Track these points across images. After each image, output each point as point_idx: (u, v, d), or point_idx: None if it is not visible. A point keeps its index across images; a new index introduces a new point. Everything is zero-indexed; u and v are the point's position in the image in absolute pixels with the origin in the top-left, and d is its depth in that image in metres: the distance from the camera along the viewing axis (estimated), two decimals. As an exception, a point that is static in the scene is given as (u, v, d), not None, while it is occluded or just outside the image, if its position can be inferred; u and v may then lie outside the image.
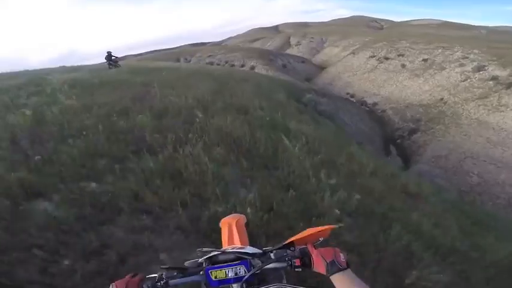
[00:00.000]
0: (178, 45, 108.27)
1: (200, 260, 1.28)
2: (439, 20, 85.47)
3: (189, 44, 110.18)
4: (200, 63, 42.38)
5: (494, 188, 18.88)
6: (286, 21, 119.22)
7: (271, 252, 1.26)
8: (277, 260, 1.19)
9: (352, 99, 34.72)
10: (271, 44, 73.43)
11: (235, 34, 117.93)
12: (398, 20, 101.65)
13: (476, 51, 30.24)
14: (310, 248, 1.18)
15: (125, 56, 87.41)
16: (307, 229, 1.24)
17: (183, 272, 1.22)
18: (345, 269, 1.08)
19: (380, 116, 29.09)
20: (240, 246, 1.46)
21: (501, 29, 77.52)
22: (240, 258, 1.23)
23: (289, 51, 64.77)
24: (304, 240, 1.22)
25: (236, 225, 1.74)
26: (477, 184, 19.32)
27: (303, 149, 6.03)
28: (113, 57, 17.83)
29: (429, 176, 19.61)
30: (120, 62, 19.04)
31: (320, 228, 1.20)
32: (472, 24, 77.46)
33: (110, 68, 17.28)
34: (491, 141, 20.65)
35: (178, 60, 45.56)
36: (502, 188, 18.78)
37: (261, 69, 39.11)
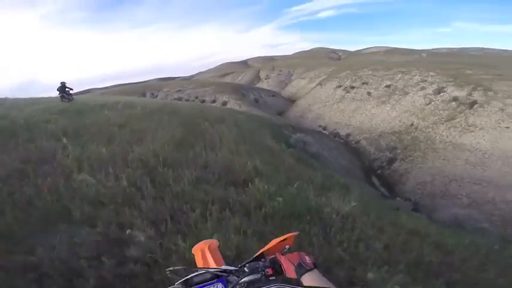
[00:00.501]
0: (146, 79, 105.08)
1: (176, 284, 1.21)
2: (385, 47, 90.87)
3: (157, 79, 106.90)
4: (168, 99, 41.10)
5: (486, 206, 18.29)
6: (254, 55, 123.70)
7: (245, 266, 1.26)
8: (251, 273, 1.20)
9: (325, 131, 34.45)
10: (243, 79, 74.05)
11: (205, 69, 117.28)
12: (353, 50, 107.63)
13: (432, 73, 31.24)
14: (278, 256, 1.25)
15: (90, 88, 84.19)
16: (273, 240, 1.32)
17: None
18: (312, 269, 1.15)
19: (355, 148, 28.64)
20: (217, 267, 1.36)
21: (438, 51, 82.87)
22: (216, 276, 1.22)
23: (259, 85, 65.48)
24: (273, 250, 1.30)
25: (209, 249, 1.67)
26: (468, 205, 18.65)
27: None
28: (66, 89, 15.55)
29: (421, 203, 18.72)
30: (83, 95, 16.79)
31: (283, 237, 1.30)
32: (413, 48, 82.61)
33: (62, 100, 15.07)
34: (470, 162, 20.34)
35: (143, 95, 44.20)
36: (494, 205, 18.22)
37: (233, 104, 38.46)
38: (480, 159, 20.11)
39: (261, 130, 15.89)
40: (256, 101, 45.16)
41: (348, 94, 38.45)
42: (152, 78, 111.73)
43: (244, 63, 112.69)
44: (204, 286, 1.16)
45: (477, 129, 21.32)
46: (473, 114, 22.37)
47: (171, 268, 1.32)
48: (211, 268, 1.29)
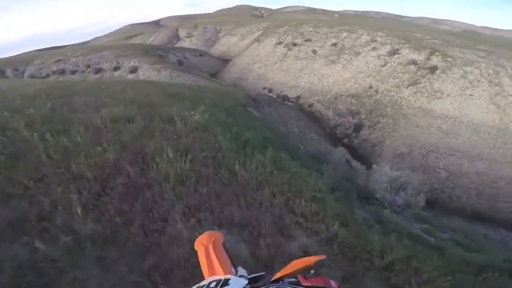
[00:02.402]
0: (23, 52, 61.82)
1: None
2: (303, 6, 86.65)
3: (37, 50, 65.23)
4: (42, 74, 26.85)
5: (462, 180, 16.00)
6: (167, 16, 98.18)
7: None
8: None
9: (270, 94, 28.39)
10: (155, 39, 56.71)
11: (103, 34, 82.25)
12: (274, 8, 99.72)
13: (380, 33, 27.68)
14: (301, 279, 1.09)
15: None
16: (293, 262, 1.15)
17: None
18: None
19: (309, 112, 23.74)
20: (223, 278, 1.09)
21: (346, 12, 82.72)
22: None
23: (179, 45, 51.74)
24: (293, 273, 1.11)
25: (214, 248, 1.41)
26: (446, 179, 16.00)
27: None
28: None
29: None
30: None
31: (306, 259, 1.13)
32: (327, 9, 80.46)
33: None
34: (443, 130, 17.53)
35: (3, 74, 28.09)
36: (468, 178, 15.98)
37: (148, 70, 26.06)
38: (451, 127, 17.53)
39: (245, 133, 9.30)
40: (180, 62, 33.45)
41: (290, 52, 32.42)
42: (31, 50, 66.48)
43: (156, 24, 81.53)
44: None
45: (444, 95, 18.52)
46: (437, 80, 19.43)
47: None
48: (222, 286, 1.01)
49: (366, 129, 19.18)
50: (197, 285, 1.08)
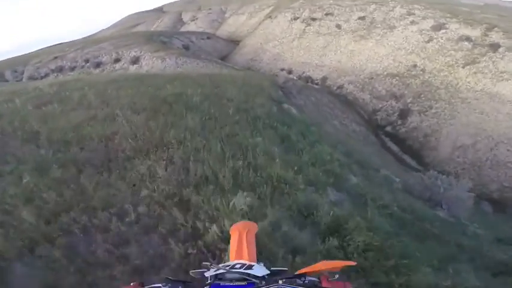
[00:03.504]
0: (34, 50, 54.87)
1: (206, 274, 1.11)
2: None
3: (44, 48, 55.75)
4: (40, 73, 22.86)
5: None
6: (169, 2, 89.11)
7: (281, 279, 1.02)
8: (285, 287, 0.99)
9: (290, 75, 24.78)
10: (159, 25, 51.25)
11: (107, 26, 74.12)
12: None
13: (418, 6, 23.85)
14: (323, 280, 1.04)
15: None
16: (322, 261, 1.13)
17: (188, 285, 1.05)
18: None
19: (339, 95, 20.29)
20: (248, 263, 1.17)
21: None
22: (246, 278, 1.05)
23: (184, 29, 46.80)
24: (318, 272, 1.08)
25: (246, 236, 1.45)
26: None
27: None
28: None
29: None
30: None
31: (335, 262, 1.10)
32: None
33: None
34: (514, 117, 14.43)
35: (2, 76, 24.53)
36: None
37: (151, 59, 22.27)
38: (524, 114, 14.46)
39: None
40: (187, 47, 29.35)
41: (309, 28, 28.44)
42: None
43: (159, 11, 72.32)
44: (233, 287, 1.01)
45: (513, 76, 15.28)
46: (501, 59, 15.91)
47: (207, 263, 1.12)
48: (245, 271, 1.06)
49: (415, 116, 15.85)
50: (223, 264, 1.15)
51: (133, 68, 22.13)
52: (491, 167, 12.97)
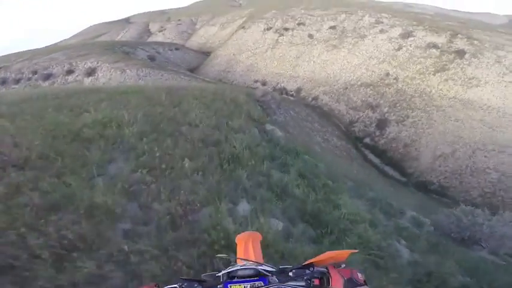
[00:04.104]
0: None
1: (219, 274, 1.16)
2: None
3: None
4: None
5: None
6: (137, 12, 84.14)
7: (290, 271, 1.09)
8: (295, 279, 1.06)
9: (265, 87, 24.09)
10: (124, 36, 49.04)
11: (69, 36, 67.48)
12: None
13: (385, 15, 24.21)
14: (330, 268, 1.08)
15: None
16: (327, 252, 1.14)
17: (202, 284, 1.08)
18: (362, 285, 1.01)
19: (314, 106, 19.78)
20: (257, 262, 1.22)
21: None
22: (258, 274, 1.10)
23: (151, 40, 44.66)
24: (324, 262, 1.11)
25: (252, 243, 1.52)
26: (498, 180, 12.83)
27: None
28: None
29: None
30: None
31: (340, 251, 1.13)
32: None
33: None
34: (487, 123, 14.31)
35: None
36: None
37: (109, 71, 20.61)
38: (496, 119, 14.38)
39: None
40: (152, 58, 27.81)
41: (282, 38, 28.13)
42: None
43: (125, 21, 68.65)
44: (246, 282, 1.05)
45: (481, 83, 15.22)
46: (468, 65, 16.14)
47: (220, 255, 1.30)
48: (257, 268, 1.11)
49: (393, 126, 15.55)
50: (232, 265, 1.18)
51: (88, 81, 20.37)
52: (472, 174, 12.81)
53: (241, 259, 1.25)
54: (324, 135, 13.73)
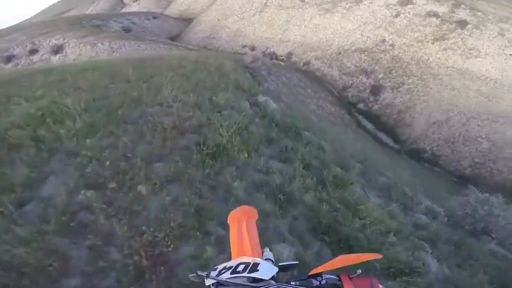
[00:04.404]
0: None
1: (207, 282, 0.95)
2: None
3: None
4: None
5: (505, 150, 12.82)
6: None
7: (294, 282, 0.91)
8: None
9: (253, 52, 22.37)
10: (94, 9, 43.49)
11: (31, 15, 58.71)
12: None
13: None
14: (343, 278, 0.88)
15: None
16: (340, 257, 0.94)
17: None
18: None
19: (306, 71, 18.50)
20: (252, 262, 1.00)
21: None
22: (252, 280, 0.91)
23: (125, 11, 39.48)
24: (335, 270, 0.92)
25: (247, 224, 1.30)
26: (488, 150, 12.67)
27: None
28: None
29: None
30: None
31: (356, 256, 0.93)
32: None
33: None
34: (483, 93, 13.77)
35: None
36: (511, 148, 12.73)
37: (78, 46, 17.96)
38: (493, 90, 13.87)
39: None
40: (128, 29, 24.85)
41: (271, 1, 26.00)
42: None
43: None
44: None
45: (481, 54, 14.57)
46: (469, 36, 15.40)
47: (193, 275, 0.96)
48: (250, 275, 0.91)
49: (388, 92, 14.70)
50: (224, 264, 1.03)
51: (55, 59, 18.18)
52: (464, 143, 12.43)
53: (230, 269, 0.97)
54: (318, 102, 12.66)
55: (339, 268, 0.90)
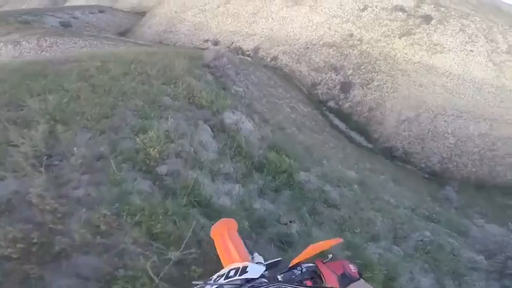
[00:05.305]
0: None
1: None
2: None
3: None
4: None
5: (468, 144, 13.29)
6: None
7: (279, 275, 1.07)
8: (285, 283, 0.96)
9: (216, 46, 20.94)
10: (30, 4, 36.87)
11: None
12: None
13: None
14: (319, 264, 1.04)
15: None
16: (310, 246, 1.08)
17: None
18: (358, 279, 0.97)
19: (275, 68, 17.62)
20: (241, 266, 1.11)
21: None
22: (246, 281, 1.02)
23: (68, 5, 34.10)
24: (311, 258, 1.06)
25: (229, 235, 1.42)
26: (454, 145, 12.98)
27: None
28: None
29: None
30: None
31: (323, 244, 1.06)
32: None
33: None
34: (448, 89, 13.82)
35: None
36: (473, 142, 13.28)
37: None
38: (456, 86, 13.97)
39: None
40: (67, 24, 21.92)
41: (236, -8, 24.79)
42: None
43: None
44: None
45: (445, 50, 14.62)
46: (434, 31, 15.46)
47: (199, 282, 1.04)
48: (242, 278, 1.01)
49: (358, 89, 14.31)
50: (217, 274, 1.08)
51: None
52: (433, 139, 12.52)
53: (223, 276, 1.08)
54: (290, 103, 11.85)
55: (313, 256, 1.01)
